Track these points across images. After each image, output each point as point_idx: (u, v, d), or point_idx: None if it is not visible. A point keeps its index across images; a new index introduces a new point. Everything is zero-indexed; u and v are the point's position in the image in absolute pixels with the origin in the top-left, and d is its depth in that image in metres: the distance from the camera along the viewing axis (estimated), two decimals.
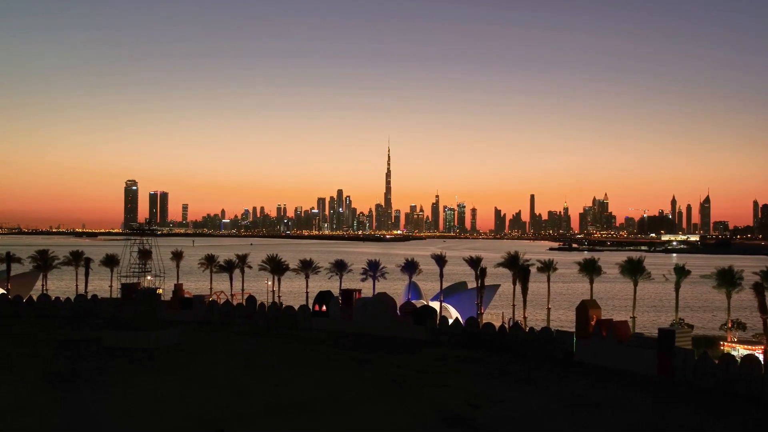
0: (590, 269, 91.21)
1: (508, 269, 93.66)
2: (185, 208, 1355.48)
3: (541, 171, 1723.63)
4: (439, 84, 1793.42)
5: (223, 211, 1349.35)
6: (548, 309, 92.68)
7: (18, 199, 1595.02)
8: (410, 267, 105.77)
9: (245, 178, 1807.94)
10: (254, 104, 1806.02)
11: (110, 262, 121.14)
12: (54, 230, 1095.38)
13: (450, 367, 70.81)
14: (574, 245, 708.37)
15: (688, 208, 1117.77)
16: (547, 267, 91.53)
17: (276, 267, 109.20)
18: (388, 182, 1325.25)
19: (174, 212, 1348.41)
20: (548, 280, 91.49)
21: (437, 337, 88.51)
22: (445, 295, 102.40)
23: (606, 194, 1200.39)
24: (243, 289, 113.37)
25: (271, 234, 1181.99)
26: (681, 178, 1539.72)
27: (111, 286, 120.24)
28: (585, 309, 75.88)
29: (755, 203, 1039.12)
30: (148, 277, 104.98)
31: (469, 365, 72.30)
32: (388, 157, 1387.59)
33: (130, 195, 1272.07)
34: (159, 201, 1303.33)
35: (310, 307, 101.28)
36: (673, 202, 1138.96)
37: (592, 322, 75.17)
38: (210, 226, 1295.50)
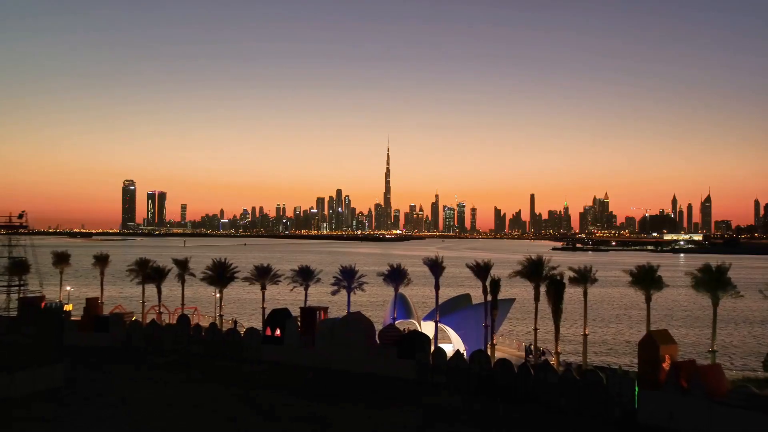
0: (648, 280, 60.73)
1: (527, 280, 67.29)
2: (184, 208, 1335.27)
3: (541, 170, 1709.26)
4: (439, 84, 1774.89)
5: (221, 211, 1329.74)
6: (584, 336, 65.86)
7: (17, 200, 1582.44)
8: (395, 276, 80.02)
9: (244, 178, 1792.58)
10: (253, 104, 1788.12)
11: (18, 267, 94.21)
12: (51, 230, 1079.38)
13: None
14: (578, 245, 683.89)
15: (689, 207, 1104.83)
16: (583, 277, 64.12)
17: (219, 275, 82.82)
18: (387, 182, 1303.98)
19: (172, 212, 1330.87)
20: (585, 296, 64.74)
21: (430, 377, 62.75)
22: (442, 313, 76.54)
23: (606, 193, 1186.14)
24: (183, 304, 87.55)
25: (270, 234, 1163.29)
26: (681, 177, 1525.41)
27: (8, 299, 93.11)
28: (653, 345, 50.05)
29: (756, 202, 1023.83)
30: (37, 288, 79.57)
31: None
32: (388, 156, 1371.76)
33: (128, 195, 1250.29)
34: (157, 201, 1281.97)
35: (261, 330, 75.65)
36: (674, 201, 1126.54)
37: (665, 365, 49.25)
38: (208, 226, 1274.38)
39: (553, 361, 69.75)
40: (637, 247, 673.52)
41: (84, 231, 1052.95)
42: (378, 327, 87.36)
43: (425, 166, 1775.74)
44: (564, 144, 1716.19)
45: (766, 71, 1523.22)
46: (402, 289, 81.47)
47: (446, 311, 78.08)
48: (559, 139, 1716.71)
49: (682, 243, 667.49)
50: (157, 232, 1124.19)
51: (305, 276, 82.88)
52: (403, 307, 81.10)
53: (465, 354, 74.63)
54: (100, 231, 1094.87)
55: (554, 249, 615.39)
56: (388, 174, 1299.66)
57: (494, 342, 66.98)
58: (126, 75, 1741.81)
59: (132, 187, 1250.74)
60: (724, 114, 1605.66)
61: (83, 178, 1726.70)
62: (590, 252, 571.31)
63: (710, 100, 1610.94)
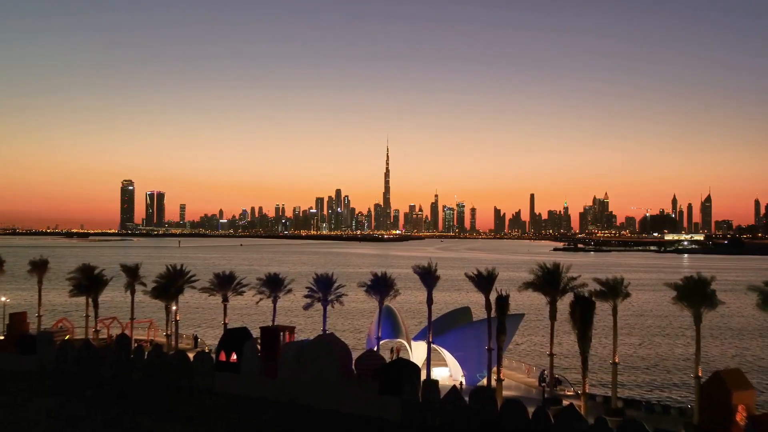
0: (698, 296, 44.32)
1: (542, 293, 53.52)
2: (183, 208, 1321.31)
3: (540, 170, 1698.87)
4: (438, 84, 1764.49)
5: (221, 211, 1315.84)
6: (614, 364, 51.28)
7: (16, 200, 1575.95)
8: (381, 286, 65.46)
9: (243, 178, 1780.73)
10: (252, 104, 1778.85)
11: None
12: (49, 231, 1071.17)
13: None
14: (580, 245, 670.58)
15: (689, 207, 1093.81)
16: (613, 290, 49.51)
17: (164, 287, 68.34)
18: (387, 182, 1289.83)
19: (172, 212, 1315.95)
20: (614, 314, 50.52)
21: (419, 419, 49.27)
22: (437, 331, 63.05)
23: (606, 193, 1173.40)
24: (132, 318, 73.82)
25: (269, 234, 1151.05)
26: (681, 177, 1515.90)
27: None
28: (723, 388, 36.58)
29: (757, 202, 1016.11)
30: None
31: None
32: (387, 156, 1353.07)
33: (127, 195, 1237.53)
34: (156, 201, 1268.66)
35: (214, 354, 62.12)
36: (674, 201, 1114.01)
37: (740, 417, 35.83)
38: (207, 226, 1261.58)
39: (570, 392, 56.48)
40: (639, 248, 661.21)
41: (81, 231, 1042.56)
42: (360, 347, 74.48)
43: (425, 166, 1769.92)
44: (564, 144, 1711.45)
45: (766, 71, 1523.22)
46: (390, 300, 67.63)
47: (442, 329, 64.60)
48: (559, 139, 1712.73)
49: (685, 243, 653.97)
50: (156, 233, 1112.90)
51: (273, 286, 69.27)
52: (390, 323, 67.51)
53: (463, 381, 61.50)
54: (98, 231, 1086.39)
55: (555, 249, 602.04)
56: (387, 174, 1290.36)
57: (502, 377, 52.98)
58: (125, 75, 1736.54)
59: (131, 187, 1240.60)
60: (724, 114, 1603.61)
61: (83, 178, 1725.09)
62: (592, 253, 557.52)
63: (710, 100, 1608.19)
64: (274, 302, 69.27)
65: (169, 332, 69.71)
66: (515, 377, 62.84)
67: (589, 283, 53.45)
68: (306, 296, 67.27)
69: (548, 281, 53.03)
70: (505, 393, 53.29)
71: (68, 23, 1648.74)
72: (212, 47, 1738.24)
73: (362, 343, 78.50)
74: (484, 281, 57.01)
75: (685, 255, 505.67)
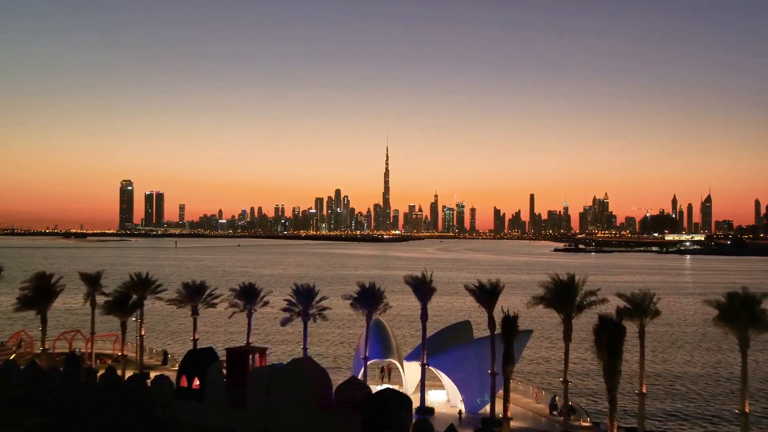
0: (745, 317, 36.60)
1: (555, 310, 45.45)
2: (182, 208, 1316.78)
3: (540, 170, 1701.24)
4: (438, 84, 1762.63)
5: (220, 212, 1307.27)
6: (641, 395, 42.74)
7: (15, 200, 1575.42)
8: (368, 299, 56.21)
9: (243, 178, 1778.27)
10: (252, 104, 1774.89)
11: None
12: (48, 231, 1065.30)
13: None
14: (581, 246, 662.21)
15: (689, 207, 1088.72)
16: (640, 308, 41.30)
17: (118, 301, 59.21)
18: (386, 182, 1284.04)
19: (171, 212, 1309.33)
20: (641, 336, 42.30)
21: None
22: (432, 350, 55.14)
23: (606, 193, 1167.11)
24: (93, 333, 65.45)
25: (268, 235, 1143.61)
26: (681, 177, 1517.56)
27: None
28: None
29: (757, 202, 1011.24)
30: None
31: None
32: (387, 156, 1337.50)
33: (126, 195, 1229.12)
34: (155, 201, 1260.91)
35: (174, 378, 54.06)
36: (674, 201, 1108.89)
37: None
38: (207, 226, 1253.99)
39: (587, 423, 48.62)
40: (641, 248, 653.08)
41: (79, 231, 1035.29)
42: (346, 367, 66.62)
43: (424, 166, 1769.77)
44: (564, 144, 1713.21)
45: (766, 71, 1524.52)
46: (381, 313, 59.71)
47: (438, 348, 56.61)
48: (559, 139, 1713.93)
49: (687, 244, 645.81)
50: (155, 233, 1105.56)
51: (248, 298, 61.27)
52: (379, 340, 59.42)
53: (462, 407, 53.60)
54: (97, 231, 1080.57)
55: (556, 250, 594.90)
56: (387, 174, 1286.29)
57: (509, 415, 44.66)
58: (124, 75, 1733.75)
59: (129, 188, 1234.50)
60: (724, 114, 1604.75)
61: (82, 178, 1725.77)
62: (593, 253, 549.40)
63: (710, 100, 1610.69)
64: (249, 316, 61.36)
65: (123, 353, 61.57)
66: (521, 402, 54.96)
67: (610, 298, 45.55)
68: (284, 310, 59.44)
69: (562, 296, 45.11)
70: (512, 425, 45.39)
71: (68, 23, 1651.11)
72: (212, 47, 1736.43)
73: (350, 362, 70.15)
74: (486, 295, 49.13)
75: (688, 256, 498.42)
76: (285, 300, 59.66)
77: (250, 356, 50.40)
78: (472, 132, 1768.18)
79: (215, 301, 63.51)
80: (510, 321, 43.93)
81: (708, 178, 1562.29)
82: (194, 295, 62.90)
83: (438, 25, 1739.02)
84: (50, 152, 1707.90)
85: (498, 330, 46.33)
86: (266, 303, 62.49)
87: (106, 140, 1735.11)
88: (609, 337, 38.54)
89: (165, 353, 70.28)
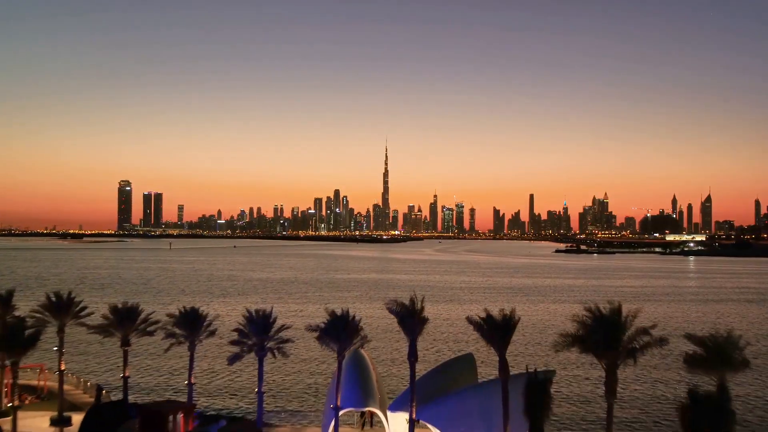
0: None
1: (594, 356, 33.39)
2: (181, 208, 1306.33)
3: (540, 170, 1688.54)
4: (437, 84, 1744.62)
5: (219, 212, 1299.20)
6: None
7: (14, 200, 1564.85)
8: (339, 331, 43.65)
9: (242, 178, 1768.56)
10: (251, 105, 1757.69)
11: None
12: (46, 231, 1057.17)
13: None
14: (583, 247, 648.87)
15: (689, 207, 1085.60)
16: (720, 354, 28.53)
17: (4, 337, 46.59)
18: (385, 182, 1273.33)
19: (170, 213, 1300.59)
20: (726, 403, 29.36)
21: None
22: (423, 397, 43.11)
23: (606, 193, 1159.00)
24: (5, 364, 54.21)
25: (267, 235, 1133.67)
26: (681, 177, 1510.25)
27: None
28: None
29: (757, 202, 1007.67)
30: None
31: None
32: (386, 157, 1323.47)
33: (124, 195, 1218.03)
34: (153, 201, 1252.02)
35: None
36: (674, 201, 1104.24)
37: None
38: (206, 226, 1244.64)
39: None
40: (644, 249, 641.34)
41: (77, 232, 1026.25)
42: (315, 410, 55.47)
43: (424, 166, 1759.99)
44: (563, 144, 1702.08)
45: (766, 71, 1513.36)
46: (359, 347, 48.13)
47: (432, 394, 44.55)
48: (559, 139, 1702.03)
49: (691, 245, 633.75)
50: (153, 233, 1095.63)
51: (190, 328, 49.82)
52: (355, 380, 47.16)
53: None
54: (95, 232, 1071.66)
55: (557, 251, 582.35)
56: (386, 174, 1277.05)
57: None
58: (123, 76, 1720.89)
59: (128, 188, 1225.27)
60: (724, 114, 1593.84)
61: (81, 179, 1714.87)
62: (595, 255, 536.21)
63: (710, 100, 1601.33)
64: (191, 349, 50.06)
65: (37, 396, 50.46)
66: None
67: (673, 338, 33.63)
68: (233, 343, 48.22)
69: (603, 336, 32.86)
70: None
71: (68, 23, 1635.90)
72: (212, 47, 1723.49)
73: (320, 411, 57.21)
74: (498, 331, 37.48)
75: (692, 257, 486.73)
76: (235, 330, 48.51)
77: (171, 417, 39.08)
78: (471, 132, 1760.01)
79: (151, 328, 52.13)
80: (538, 386, 31.37)
81: (708, 178, 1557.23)
82: (125, 321, 51.40)
83: (438, 26, 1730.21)
84: (49, 152, 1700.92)
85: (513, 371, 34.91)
86: (213, 331, 51.11)
87: (104, 140, 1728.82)
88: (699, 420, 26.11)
89: (99, 389, 57.77)
